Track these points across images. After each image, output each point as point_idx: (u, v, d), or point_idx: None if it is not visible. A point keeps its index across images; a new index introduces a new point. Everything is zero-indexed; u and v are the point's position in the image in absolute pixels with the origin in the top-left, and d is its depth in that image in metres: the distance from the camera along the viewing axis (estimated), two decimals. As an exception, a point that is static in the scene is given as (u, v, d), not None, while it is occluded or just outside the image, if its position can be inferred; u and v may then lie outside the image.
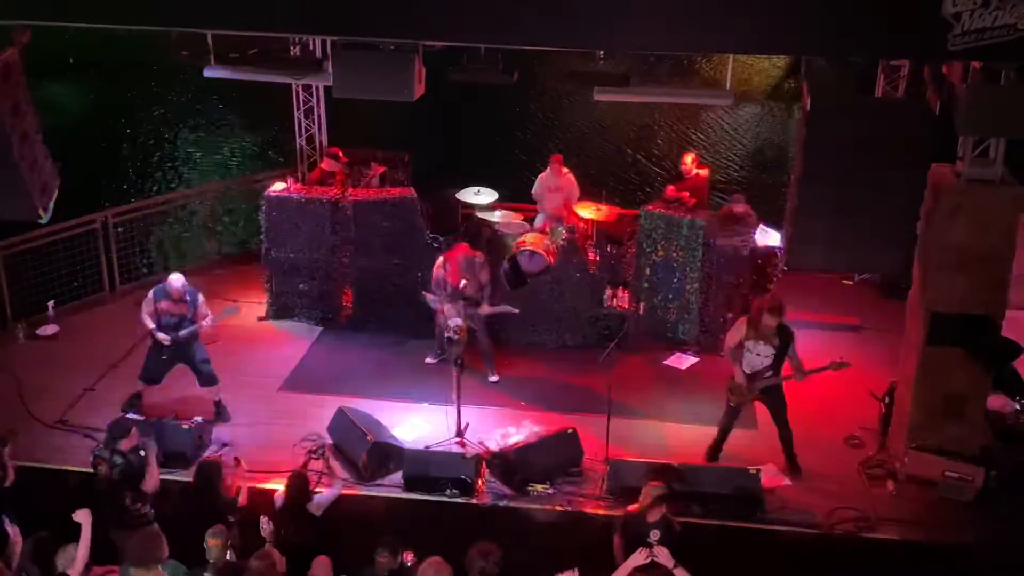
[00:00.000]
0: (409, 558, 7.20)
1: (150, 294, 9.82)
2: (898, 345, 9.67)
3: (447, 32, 7.80)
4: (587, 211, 12.02)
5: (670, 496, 7.66)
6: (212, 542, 7.10)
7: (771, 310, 8.98)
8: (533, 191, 12.46)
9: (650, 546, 7.19)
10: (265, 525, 7.55)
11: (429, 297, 10.54)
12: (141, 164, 19.10)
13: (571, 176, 12.32)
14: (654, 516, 7.54)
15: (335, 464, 8.79)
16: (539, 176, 12.48)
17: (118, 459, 7.84)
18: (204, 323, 9.80)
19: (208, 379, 9.94)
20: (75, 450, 9.51)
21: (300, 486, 8.03)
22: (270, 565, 6.85)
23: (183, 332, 9.66)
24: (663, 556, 6.93)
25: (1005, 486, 8.94)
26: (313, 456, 8.50)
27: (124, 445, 7.90)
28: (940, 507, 8.93)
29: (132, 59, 21.64)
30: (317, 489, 8.35)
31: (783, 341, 9.03)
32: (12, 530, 7.14)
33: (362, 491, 9.07)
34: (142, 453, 7.94)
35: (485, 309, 10.40)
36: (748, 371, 9.17)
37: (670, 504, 7.66)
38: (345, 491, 8.93)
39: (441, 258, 10.68)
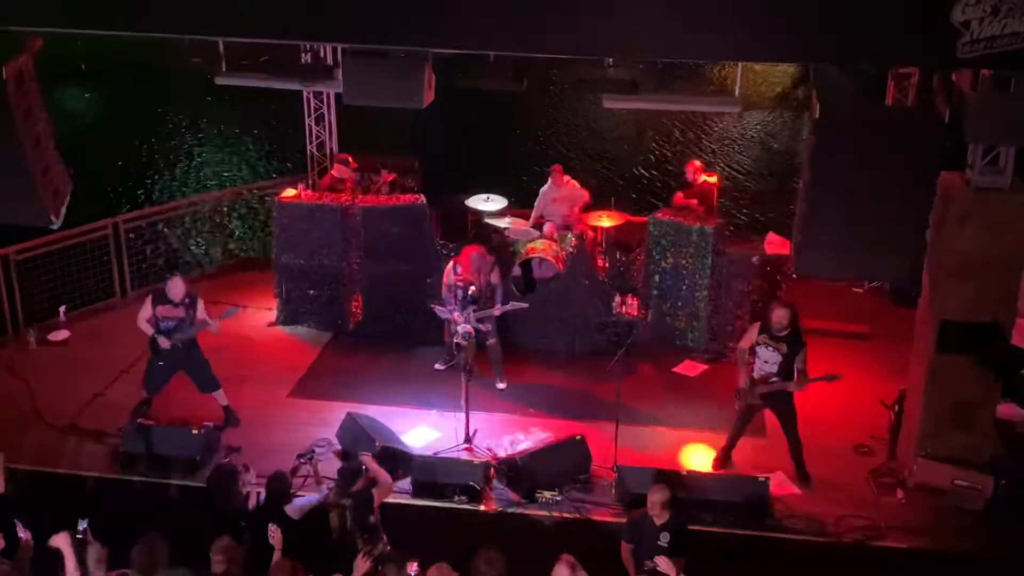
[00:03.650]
0: (413, 568, 7.13)
1: (147, 299, 9.79)
2: (908, 353, 9.66)
3: (457, 40, 7.81)
4: (603, 219, 11.97)
5: (674, 500, 7.67)
6: (217, 557, 6.93)
7: (782, 307, 9.02)
8: (536, 204, 12.35)
9: (661, 550, 7.18)
10: (274, 534, 7.47)
11: (439, 309, 10.51)
12: (152, 170, 19.18)
13: (574, 183, 12.29)
14: (661, 520, 7.54)
15: (323, 471, 8.74)
16: (541, 190, 12.37)
17: (347, 502, 7.77)
18: (203, 327, 9.72)
19: (208, 385, 9.92)
20: (85, 455, 9.55)
21: (279, 487, 7.94)
22: None
23: (180, 335, 9.63)
24: (663, 564, 6.91)
25: (1014, 495, 8.92)
26: (302, 461, 8.51)
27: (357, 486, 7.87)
28: (949, 516, 8.91)
29: (144, 66, 21.72)
30: (299, 493, 8.27)
31: (792, 349, 9.02)
32: (24, 534, 7.17)
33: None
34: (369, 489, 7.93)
35: (497, 310, 10.40)
36: (755, 375, 9.16)
37: (675, 508, 7.67)
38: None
39: (451, 262, 10.67)
